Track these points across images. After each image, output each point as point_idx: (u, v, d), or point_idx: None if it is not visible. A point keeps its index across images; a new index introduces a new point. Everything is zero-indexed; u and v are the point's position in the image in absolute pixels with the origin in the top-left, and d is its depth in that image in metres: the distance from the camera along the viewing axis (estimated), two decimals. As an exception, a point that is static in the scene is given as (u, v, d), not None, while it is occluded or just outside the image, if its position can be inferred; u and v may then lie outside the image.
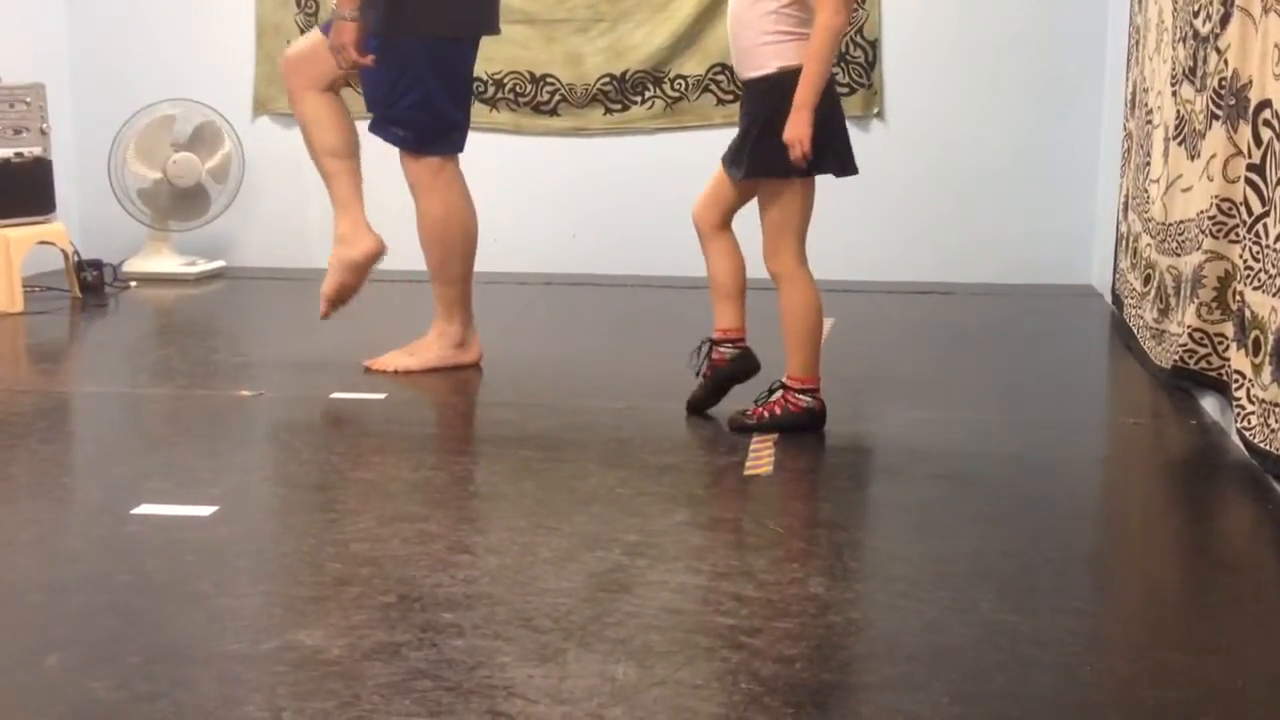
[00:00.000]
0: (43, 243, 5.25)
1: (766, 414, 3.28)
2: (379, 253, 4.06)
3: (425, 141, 3.94)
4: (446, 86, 3.93)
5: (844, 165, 3.25)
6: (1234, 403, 3.07)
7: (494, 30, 4.09)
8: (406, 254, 5.83)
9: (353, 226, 4.01)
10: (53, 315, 5.00)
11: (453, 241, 4.00)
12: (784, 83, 3.13)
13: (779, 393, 3.29)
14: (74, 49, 6.17)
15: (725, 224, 3.36)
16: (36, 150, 5.27)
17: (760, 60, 3.20)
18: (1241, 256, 3.06)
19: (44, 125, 5.31)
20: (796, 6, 3.14)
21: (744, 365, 3.40)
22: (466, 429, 3.36)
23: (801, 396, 3.27)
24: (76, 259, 5.34)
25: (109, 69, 6.11)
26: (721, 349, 3.38)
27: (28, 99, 5.25)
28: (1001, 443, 3.30)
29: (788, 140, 3.10)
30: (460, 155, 4.08)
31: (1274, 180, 2.86)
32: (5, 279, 5.01)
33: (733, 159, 3.29)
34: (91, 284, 5.37)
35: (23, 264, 5.11)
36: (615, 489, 2.85)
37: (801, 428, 3.26)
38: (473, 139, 6.55)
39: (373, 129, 4.00)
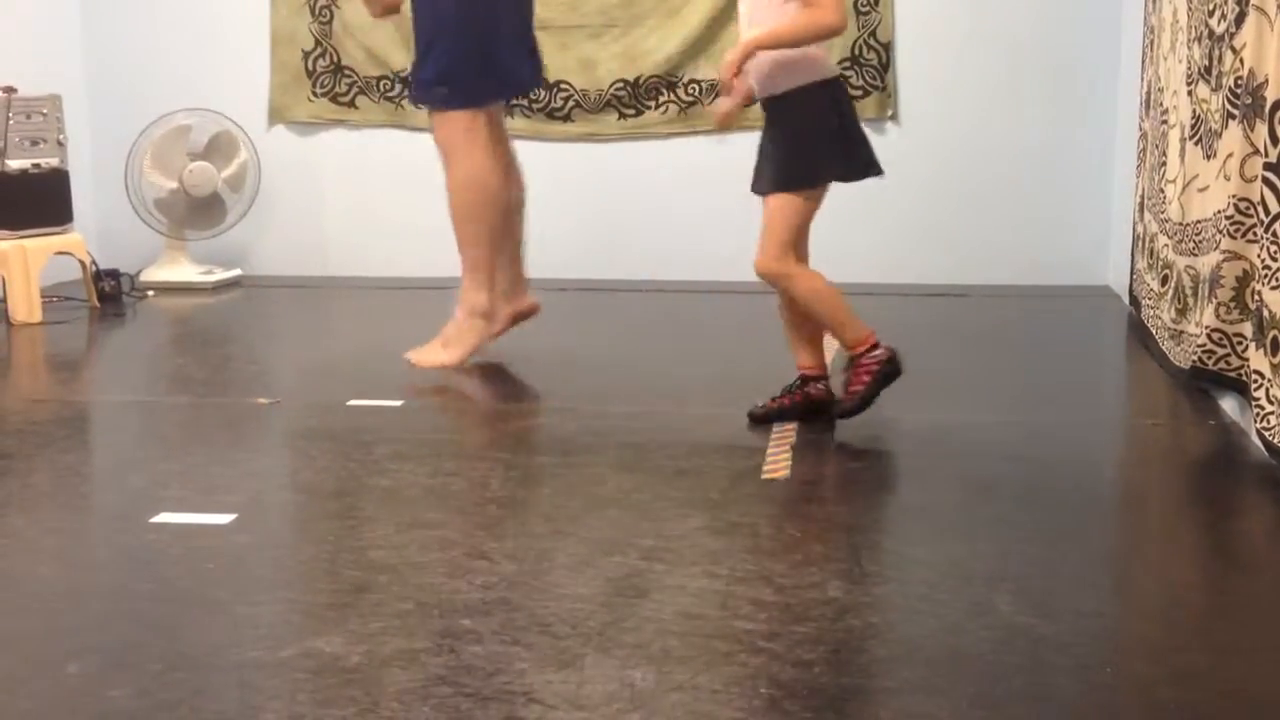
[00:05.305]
0: (60, 253, 5.27)
1: (859, 400, 3.29)
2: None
3: (464, 98, 3.94)
4: (483, 37, 3.94)
5: (847, 171, 3.27)
6: (1253, 403, 3.06)
7: None
8: (412, 262, 5.89)
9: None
10: (71, 325, 5.03)
11: (475, 203, 4.00)
12: (797, 99, 3.19)
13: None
14: (90, 60, 6.20)
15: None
16: (54, 161, 5.29)
17: (776, 80, 3.23)
18: (1260, 256, 3.04)
19: (61, 136, 5.34)
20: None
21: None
22: (482, 434, 3.36)
23: (869, 357, 3.27)
24: (94, 269, 5.36)
25: (125, 80, 6.14)
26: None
27: (44, 110, 5.28)
28: (1019, 444, 3.29)
29: (720, 68, 3.18)
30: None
31: (1291, 179, 2.86)
32: (24, 289, 5.03)
33: (755, 177, 3.33)
34: (109, 293, 5.41)
35: (41, 274, 5.14)
36: (632, 494, 2.85)
37: (889, 377, 3.28)
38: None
39: (414, 96, 4.18)
